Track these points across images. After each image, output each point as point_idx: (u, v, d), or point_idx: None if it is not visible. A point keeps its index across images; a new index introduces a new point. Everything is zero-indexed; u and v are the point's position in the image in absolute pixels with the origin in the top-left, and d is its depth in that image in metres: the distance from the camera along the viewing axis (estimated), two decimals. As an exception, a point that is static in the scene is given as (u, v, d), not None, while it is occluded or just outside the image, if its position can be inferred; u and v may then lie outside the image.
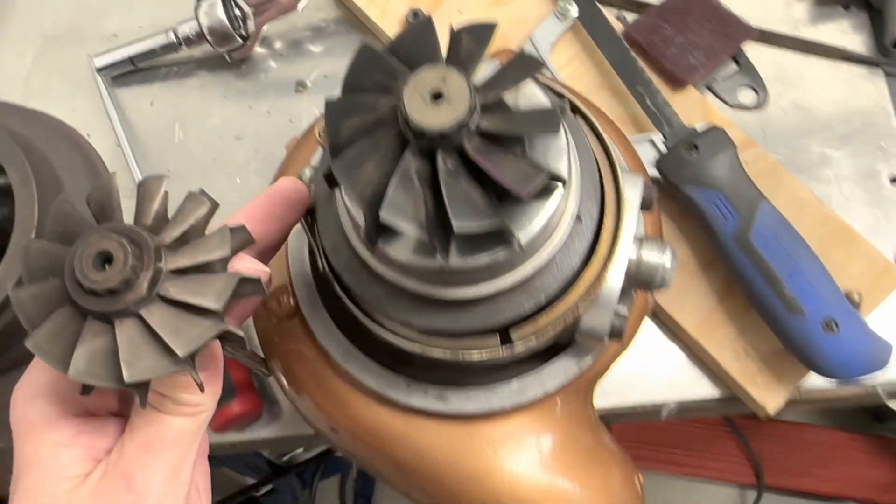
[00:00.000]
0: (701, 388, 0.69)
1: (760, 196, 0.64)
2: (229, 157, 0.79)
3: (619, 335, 0.52)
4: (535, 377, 0.55)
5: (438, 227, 0.41)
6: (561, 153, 0.41)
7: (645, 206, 0.54)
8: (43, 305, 0.34)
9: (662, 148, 0.68)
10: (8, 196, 0.56)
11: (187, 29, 0.78)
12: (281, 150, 0.79)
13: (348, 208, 0.44)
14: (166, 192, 0.38)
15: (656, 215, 0.60)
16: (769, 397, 0.65)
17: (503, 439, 0.56)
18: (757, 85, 0.76)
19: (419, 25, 0.42)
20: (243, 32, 0.78)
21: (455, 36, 0.42)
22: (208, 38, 0.77)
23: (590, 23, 0.74)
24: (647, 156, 0.68)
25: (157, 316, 0.34)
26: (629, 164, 0.61)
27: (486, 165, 0.38)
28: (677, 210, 0.69)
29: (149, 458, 0.37)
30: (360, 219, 0.44)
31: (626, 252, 0.50)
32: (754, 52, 0.77)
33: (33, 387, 0.38)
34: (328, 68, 0.81)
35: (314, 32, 0.83)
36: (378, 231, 0.42)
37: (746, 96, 0.76)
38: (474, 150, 0.39)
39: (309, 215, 0.51)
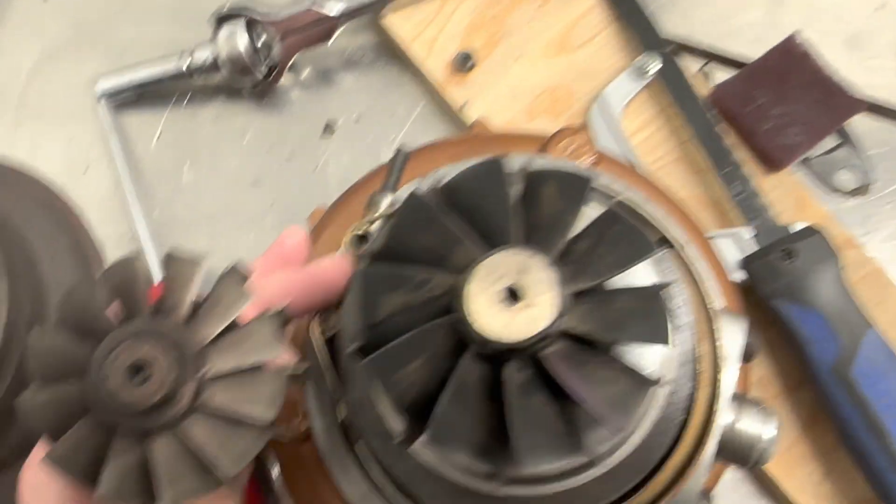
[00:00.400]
0: (770, 527, 0.59)
1: (866, 322, 0.54)
2: (243, 207, 0.69)
3: (701, 524, 0.42)
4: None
5: (500, 443, 0.31)
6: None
7: (747, 359, 0.44)
8: (59, 414, 0.29)
9: (752, 245, 0.58)
10: None
11: (202, 56, 0.67)
12: (302, 203, 0.69)
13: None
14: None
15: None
16: (854, 555, 0.55)
17: None
18: (861, 166, 0.65)
19: (485, 170, 0.32)
20: (264, 68, 0.67)
21: (534, 181, 0.32)
22: (223, 71, 0.67)
23: (672, 83, 0.63)
24: (733, 254, 0.58)
25: (198, 430, 0.29)
26: (712, 270, 0.50)
27: (571, 387, 0.28)
28: (762, 317, 0.59)
29: None
30: (395, 422, 0.34)
31: (721, 424, 0.41)
32: (861, 125, 0.65)
33: (46, 475, 0.33)
34: (360, 108, 0.71)
35: (347, 62, 0.73)
36: (418, 433, 0.33)
37: (847, 179, 0.65)
38: (555, 360, 0.29)
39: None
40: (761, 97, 0.62)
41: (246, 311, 0.32)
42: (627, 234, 0.30)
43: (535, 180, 0.32)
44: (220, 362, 0.30)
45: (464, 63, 0.66)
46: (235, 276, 0.32)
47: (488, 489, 0.36)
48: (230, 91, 0.72)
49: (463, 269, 0.30)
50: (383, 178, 0.48)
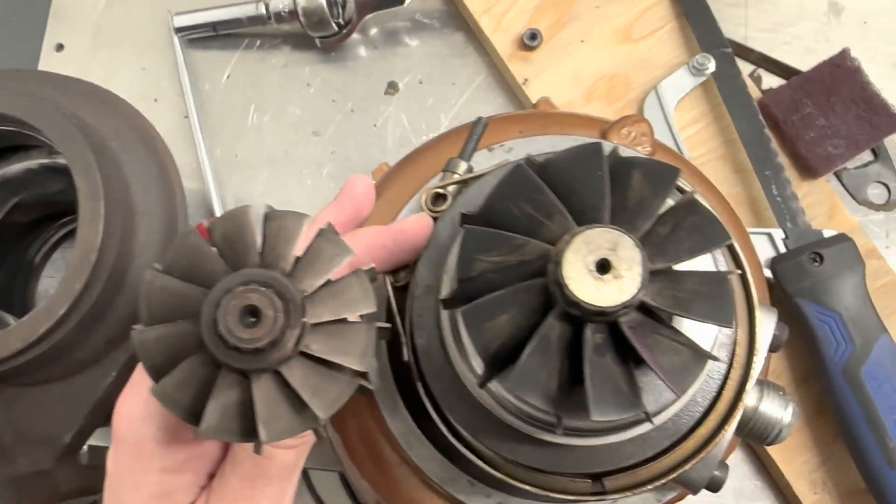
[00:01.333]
0: (764, 505, 0.64)
1: (882, 328, 0.58)
2: (303, 154, 0.73)
3: (718, 488, 0.47)
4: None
5: (565, 395, 0.36)
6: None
7: (774, 349, 0.48)
8: (169, 350, 0.31)
9: (781, 246, 0.62)
10: (65, 175, 0.50)
11: (281, 3, 0.70)
12: (360, 157, 0.73)
13: (460, 334, 0.38)
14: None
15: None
16: (839, 538, 0.61)
17: (561, 555, 0.51)
18: (891, 182, 0.69)
19: (587, 152, 0.35)
20: (341, 21, 0.70)
21: (623, 167, 0.36)
22: (301, 19, 0.70)
23: (725, 84, 0.66)
24: (763, 252, 0.62)
25: (297, 373, 0.31)
26: (747, 261, 0.54)
27: (642, 351, 0.32)
28: (781, 313, 0.63)
29: (253, 493, 0.36)
30: (476, 362, 0.38)
31: (747, 404, 0.45)
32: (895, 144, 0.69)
33: (144, 409, 0.36)
34: (424, 70, 0.74)
35: (414, 25, 0.76)
36: (492, 378, 0.37)
37: (877, 193, 0.69)
38: (630, 328, 0.33)
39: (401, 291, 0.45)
40: (808, 107, 0.66)
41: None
42: (705, 223, 0.34)
43: (624, 165, 0.35)
44: (319, 312, 0.32)
45: (532, 40, 0.69)
46: (333, 233, 0.33)
47: (537, 434, 0.41)
48: (300, 41, 0.75)
49: (555, 239, 0.34)
50: (453, 142, 0.52)
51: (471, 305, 0.34)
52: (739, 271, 0.41)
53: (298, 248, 0.33)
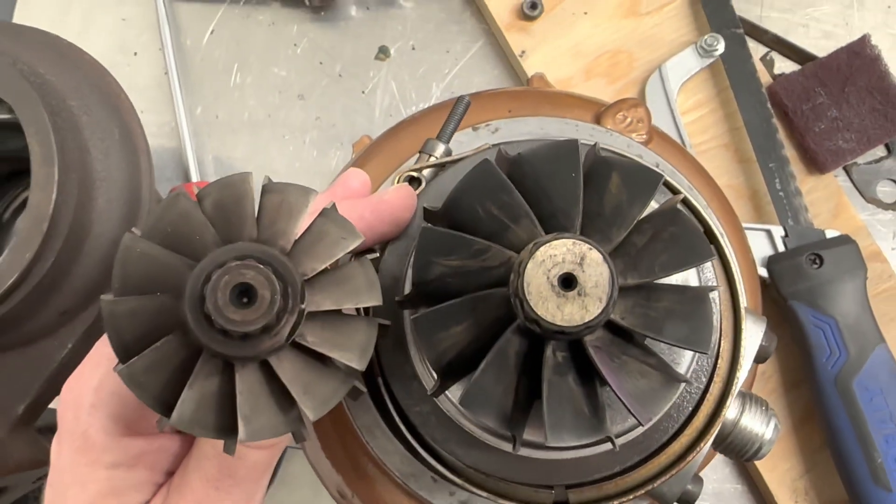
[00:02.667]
0: (743, 509, 0.62)
1: (879, 337, 0.55)
2: (286, 118, 0.69)
3: (690, 503, 0.45)
4: (578, 510, 0.48)
5: (522, 413, 0.33)
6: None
7: (759, 360, 0.45)
8: (142, 326, 0.28)
9: (780, 244, 0.58)
10: (20, 132, 0.47)
11: (268, -43, 0.66)
12: (345, 124, 0.69)
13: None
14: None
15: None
16: (817, 549, 0.59)
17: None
18: (903, 181, 0.65)
19: (562, 151, 0.32)
20: (332, -22, 0.66)
21: (601, 169, 0.32)
22: (290, -25, 0.66)
23: (734, 67, 0.62)
24: (760, 249, 0.59)
25: (287, 366, 0.28)
26: (739, 261, 0.51)
27: (606, 375, 0.30)
28: (775, 314, 0.60)
29: (217, 495, 0.32)
30: (429, 374, 0.36)
31: (727, 418, 0.43)
32: (911, 140, 0.65)
33: (93, 397, 0.32)
34: (418, 36, 0.70)
35: (410, -14, 0.71)
36: (446, 387, 0.34)
37: (888, 192, 0.65)
38: (595, 348, 0.30)
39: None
40: (821, 96, 0.62)
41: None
42: (686, 235, 0.31)
43: (602, 166, 0.32)
44: (318, 300, 0.28)
45: (532, 9, 0.65)
46: (337, 214, 0.30)
47: (497, 445, 0.38)
48: (289, -2, 0.71)
49: (521, 245, 0.31)
50: (442, 117, 0.48)
51: (423, 314, 0.31)
52: (720, 287, 0.37)
53: (301, 227, 0.29)
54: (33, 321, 0.49)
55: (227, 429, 0.28)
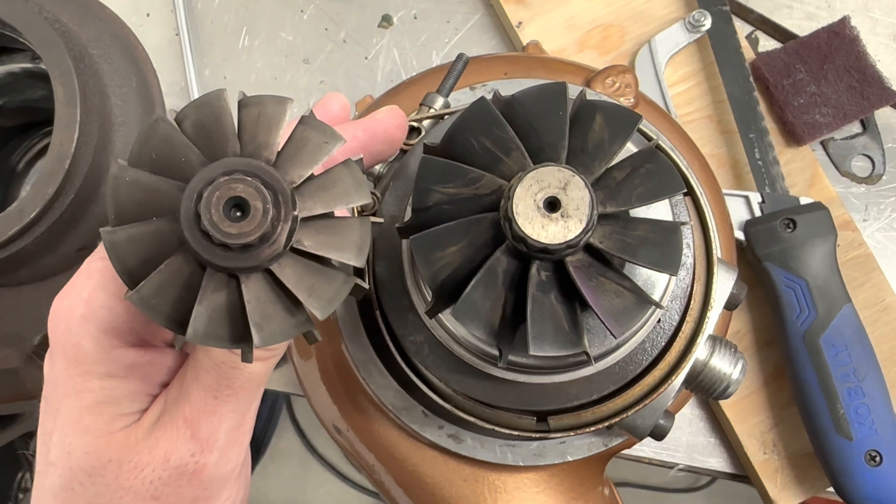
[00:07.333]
0: (717, 461, 0.66)
1: (846, 297, 0.59)
2: (291, 81, 0.72)
3: (662, 437, 0.48)
4: (557, 444, 0.52)
5: (509, 330, 0.36)
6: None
7: (730, 306, 0.49)
8: (144, 251, 0.28)
9: (757, 210, 0.62)
10: (47, 81, 0.50)
11: (278, -75, 0.69)
12: (348, 88, 0.72)
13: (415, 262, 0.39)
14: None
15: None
16: (783, 497, 0.62)
17: (508, 490, 0.53)
18: (876, 156, 0.68)
19: (551, 91, 0.35)
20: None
21: (587, 110, 0.36)
22: (299, -57, 0.69)
23: (719, 42, 0.65)
24: (738, 214, 0.62)
25: (289, 272, 0.29)
26: (717, 222, 0.55)
27: (585, 292, 0.33)
28: (750, 276, 0.64)
29: (216, 405, 0.33)
30: (426, 291, 0.39)
31: (697, 357, 0.46)
32: (886, 117, 0.68)
33: (84, 308, 0.32)
34: (419, 7, 0.73)
35: (414, -41, 0.74)
36: (440, 308, 0.37)
37: (861, 166, 0.69)
38: (575, 268, 0.34)
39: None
40: (801, 73, 0.65)
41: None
42: (661, 171, 0.34)
43: (587, 108, 0.35)
44: (310, 206, 0.29)
45: (529, -17, 0.68)
46: (317, 120, 0.30)
47: (485, 368, 0.41)
48: (297, -36, 0.74)
49: (511, 175, 0.34)
50: (441, 78, 0.51)
51: (421, 234, 0.34)
52: (690, 223, 0.41)
53: (282, 137, 0.30)
54: (51, 256, 0.52)
55: (240, 338, 0.29)
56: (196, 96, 0.70)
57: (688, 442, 0.66)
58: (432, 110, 0.48)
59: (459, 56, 0.50)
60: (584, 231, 0.32)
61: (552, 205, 0.32)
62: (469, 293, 0.34)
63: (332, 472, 1.52)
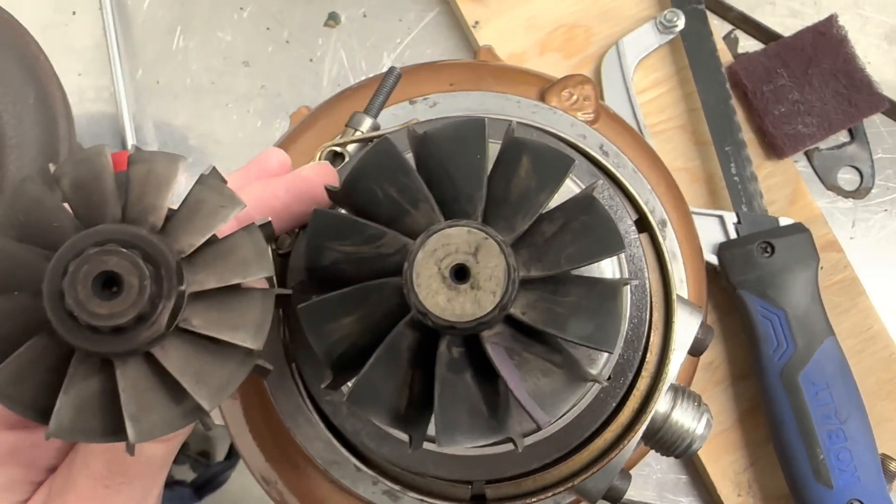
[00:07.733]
0: (688, 500, 0.61)
1: (828, 330, 0.53)
2: (230, 85, 0.66)
3: (617, 500, 0.43)
4: (504, 503, 0.47)
5: (419, 412, 0.31)
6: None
7: (695, 352, 0.43)
8: (2, 330, 0.26)
9: (732, 231, 0.56)
10: None
11: (212, -86, 0.63)
12: (291, 94, 0.66)
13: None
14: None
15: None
16: (758, 543, 0.57)
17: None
18: (865, 168, 0.63)
19: (467, 131, 0.30)
20: (277, -60, 0.63)
21: (513, 151, 0.30)
22: (234, -66, 0.62)
23: (694, 44, 0.60)
24: (711, 235, 0.57)
25: (174, 354, 0.26)
26: (685, 251, 0.49)
27: (503, 373, 0.28)
28: (724, 302, 0.58)
29: (107, 493, 0.30)
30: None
31: (656, 412, 0.41)
32: (876, 126, 0.63)
33: None
34: (369, 4, 0.67)
35: (365, -51, 0.68)
36: (343, 381, 0.32)
37: (848, 179, 0.63)
38: (493, 344, 0.28)
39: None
40: (783, 78, 0.60)
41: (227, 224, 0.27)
42: (597, 225, 0.28)
43: (514, 148, 0.30)
44: (201, 279, 0.26)
45: (484, -21, 0.62)
46: (217, 180, 0.27)
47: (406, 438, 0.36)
48: (236, -43, 0.68)
49: (419, 231, 0.28)
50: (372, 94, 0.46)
51: (310, 303, 0.29)
52: (636, 281, 0.35)
53: (173, 199, 0.27)
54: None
55: (117, 430, 0.26)
56: (124, 101, 0.65)
57: (657, 480, 0.61)
58: (358, 133, 0.43)
59: (391, 70, 0.44)
60: (498, 306, 0.26)
61: (460, 274, 0.26)
62: (367, 375, 0.28)
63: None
